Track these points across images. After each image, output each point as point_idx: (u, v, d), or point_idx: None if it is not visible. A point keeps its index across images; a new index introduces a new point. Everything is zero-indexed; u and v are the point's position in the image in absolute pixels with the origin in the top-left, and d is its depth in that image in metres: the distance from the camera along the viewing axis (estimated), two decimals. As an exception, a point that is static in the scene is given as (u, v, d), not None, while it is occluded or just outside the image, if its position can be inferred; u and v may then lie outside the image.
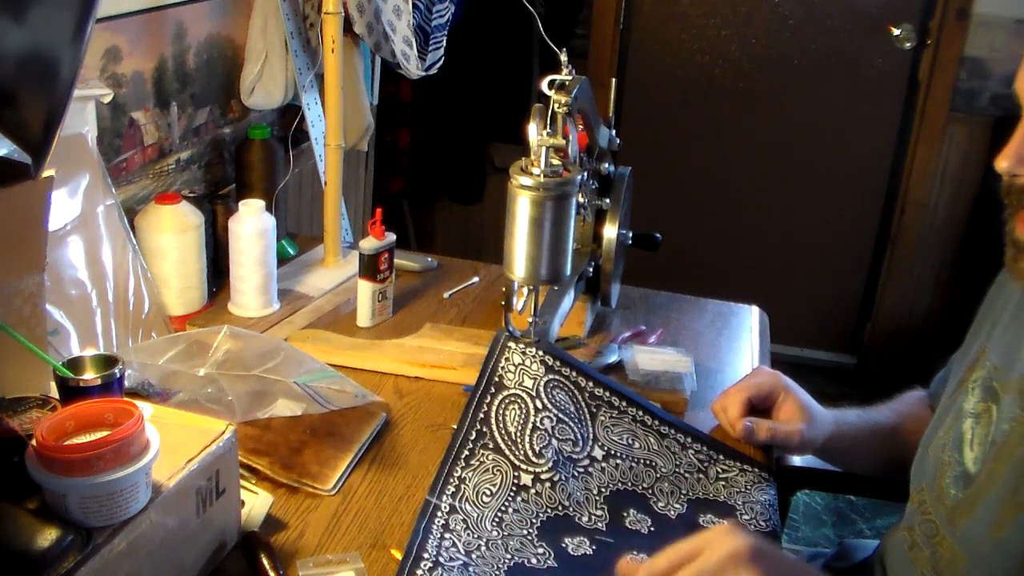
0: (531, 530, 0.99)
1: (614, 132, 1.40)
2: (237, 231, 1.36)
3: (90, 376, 0.87)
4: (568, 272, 1.09)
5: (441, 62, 1.88)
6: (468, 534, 0.96)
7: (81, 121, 1.24)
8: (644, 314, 1.52)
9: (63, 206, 1.19)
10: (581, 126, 1.20)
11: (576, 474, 1.05)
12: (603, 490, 1.05)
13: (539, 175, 1.02)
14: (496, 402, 1.07)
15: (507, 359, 1.08)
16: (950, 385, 1.09)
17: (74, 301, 1.19)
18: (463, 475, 1.02)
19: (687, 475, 1.09)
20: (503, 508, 1.00)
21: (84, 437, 0.75)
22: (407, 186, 3.03)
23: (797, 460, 1.35)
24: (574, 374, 1.10)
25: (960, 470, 0.97)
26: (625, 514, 1.03)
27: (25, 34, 0.78)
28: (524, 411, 1.06)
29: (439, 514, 0.97)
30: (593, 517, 1.02)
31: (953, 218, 2.98)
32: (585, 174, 1.23)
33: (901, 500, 1.12)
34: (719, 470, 1.11)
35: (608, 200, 1.34)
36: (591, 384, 1.11)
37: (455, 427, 1.07)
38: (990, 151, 0.90)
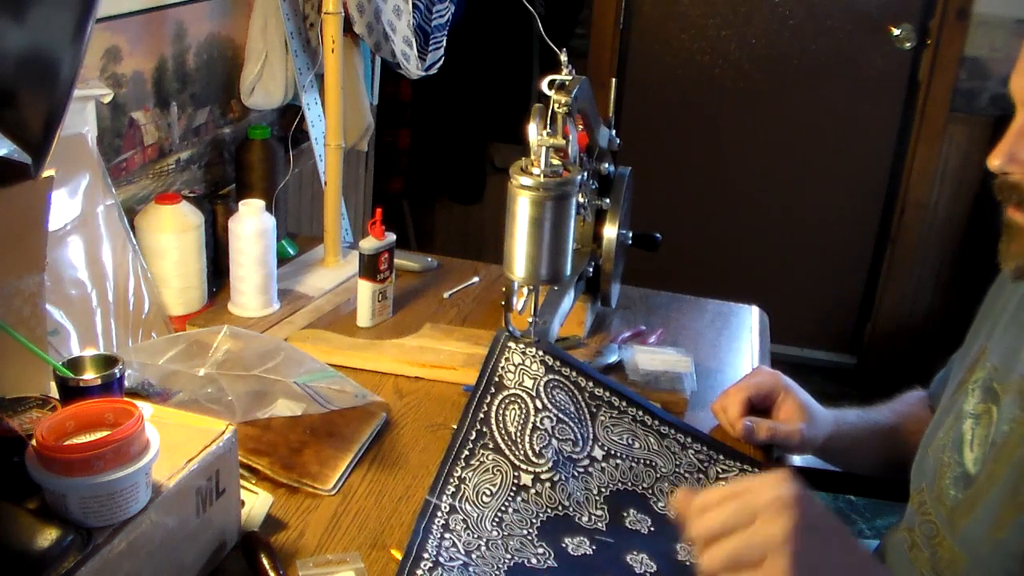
0: (531, 530, 0.99)
1: (614, 132, 1.40)
2: (237, 231, 1.36)
3: (90, 376, 0.87)
4: (568, 272, 1.08)
5: (441, 62, 1.88)
6: (468, 534, 0.96)
7: (81, 121, 1.24)
8: (644, 314, 1.52)
9: (63, 206, 1.19)
10: (581, 126, 1.20)
11: (576, 474, 1.05)
12: (603, 490, 1.05)
13: (539, 175, 1.02)
14: (496, 402, 1.07)
15: (507, 359, 1.08)
16: (950, 386, 1.09)
17: (74, 301, 1.19)
18: (463, 475, 1.02)
19: (687, 475, 1.09)
20: (503, 508, 1.00)
21: (84, 437, 0.75)
22: (407, 186, 3.03)
23: (797, 460, 1.34)
24: (574, 374, 1.10)
25: (960, 471, 0.97)
26: (625, 514, 1.03)
27: (25, 34, 0.78)
28: (524, 411, 1.06)
29: (439, 514, 0.97)
30: (593, 517, 1.02)
31: (953, 218, 2.98)
32: (585, 174, 1.23)
33: (901, 500, 1.12)
34: (719, 470, 1.11)
35: (608, 200, 1.33)
36: (591, 384, 1.11)
37: (455, 427, 1.07)
38: (990, 151, 0.89)
